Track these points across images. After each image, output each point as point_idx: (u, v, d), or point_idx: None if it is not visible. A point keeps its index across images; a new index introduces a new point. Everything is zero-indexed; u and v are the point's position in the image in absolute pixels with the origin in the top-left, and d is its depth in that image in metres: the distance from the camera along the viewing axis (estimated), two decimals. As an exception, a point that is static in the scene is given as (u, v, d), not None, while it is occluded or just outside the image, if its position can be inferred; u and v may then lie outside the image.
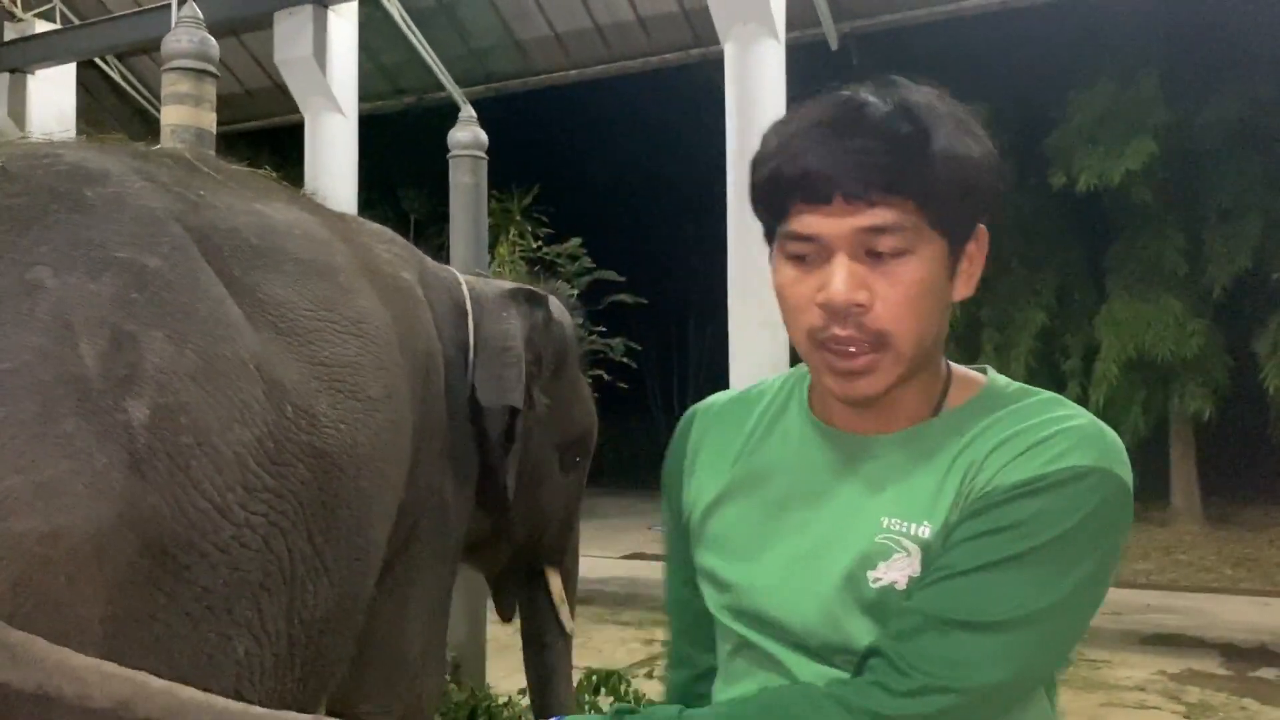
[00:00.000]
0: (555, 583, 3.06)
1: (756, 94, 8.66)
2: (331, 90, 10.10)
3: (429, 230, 14.77)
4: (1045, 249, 13.76)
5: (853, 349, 1.00)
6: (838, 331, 1.00)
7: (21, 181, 1.54)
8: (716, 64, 9.24)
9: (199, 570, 1.45)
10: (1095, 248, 13.54)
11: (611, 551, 11.34)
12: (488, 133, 5.09)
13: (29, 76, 10.86)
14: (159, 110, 12.53)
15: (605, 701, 4.08)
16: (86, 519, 1.31)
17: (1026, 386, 1.11)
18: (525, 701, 4.01)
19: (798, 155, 1.00)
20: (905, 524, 1.01)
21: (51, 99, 10.86)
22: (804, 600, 1.04)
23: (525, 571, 3.11)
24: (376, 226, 2.58)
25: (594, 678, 4.84)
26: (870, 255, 0.99)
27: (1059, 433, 1.01)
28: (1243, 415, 13.47)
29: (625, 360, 11.03)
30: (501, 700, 4.16)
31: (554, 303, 2.98)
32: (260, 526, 1.56)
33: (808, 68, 10.05)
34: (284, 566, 1.62)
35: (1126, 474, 1.02)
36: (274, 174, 2.29)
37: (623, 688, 4.42)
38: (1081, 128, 12.05)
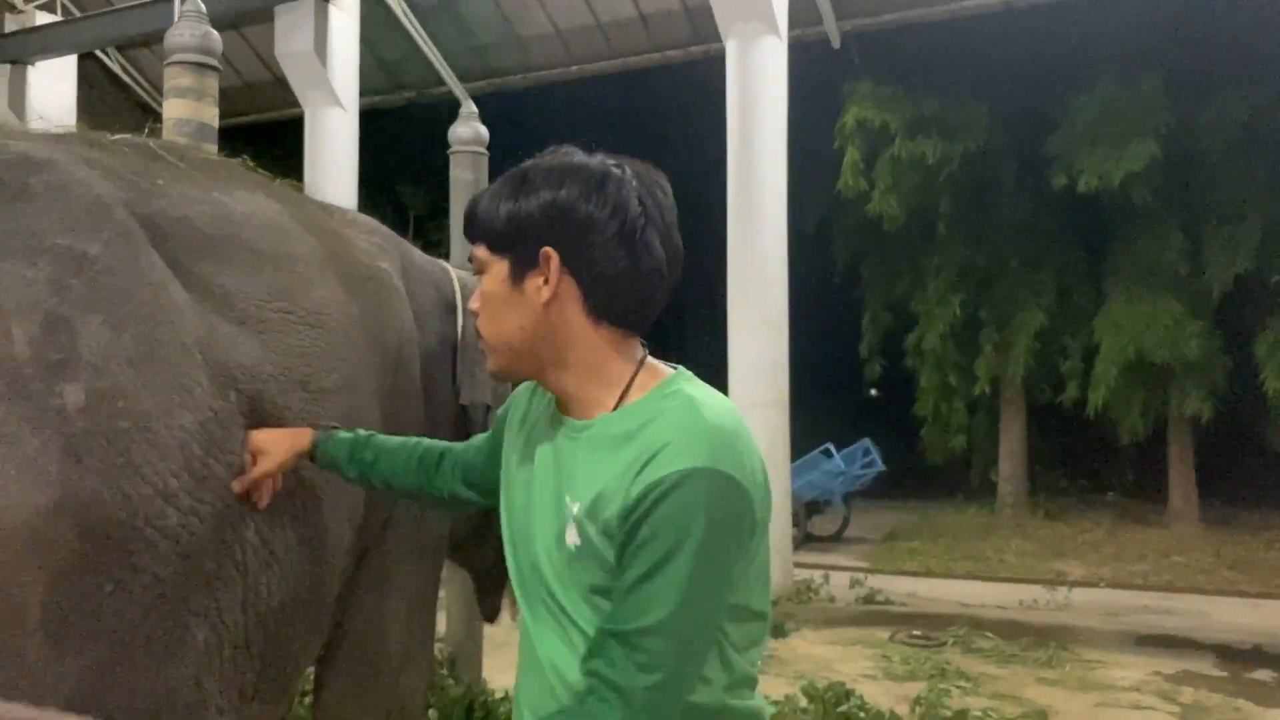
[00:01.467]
0: None
1: (758, 92, 8.67)
2: (332, 84, 10.10)
3: (428, 226, 14.77)
4: (1044, 250, 13.78)
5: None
6: None
7: None
8: (718, 61, 9.24)
9: (147, 557, 1.43)
10: (1095, 249, 13.56)
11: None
12: (488, 128, 5.08)
13: (29, 68, 10.85)
14: (159, 103, 12.51)
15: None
16: (19, 504, 1.29)
17: (683, 386, 1.32)
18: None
19: None
20: (571, 501, 1.29)
21: (52, 91, 10.85)
22: (547, 563, 1.34)
23: None
24: (361, 218, 2.55)
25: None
26: (481, 278, 1.39)
27: (673, 439, 1.22)
28: (1241, 417, 13.52)
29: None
30: (499, 695, 4.16)
31: None
32: (209, 514, 1.53)
33: (809, 66, 10.07)
34: (236, 556, 1.60)
35: (732, 467, 1.22)
36: (252, 164, 2.28)
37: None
38: (1082, 128, 12.07)
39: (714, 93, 9.39)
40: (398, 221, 15.61)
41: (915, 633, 6.93)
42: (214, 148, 3.86)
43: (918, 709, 4.81)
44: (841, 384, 18.60)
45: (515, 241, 1.33)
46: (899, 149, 12.65)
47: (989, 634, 6.84)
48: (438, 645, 4.82)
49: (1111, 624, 7.53)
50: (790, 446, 8.95)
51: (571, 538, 1.28)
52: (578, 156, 1.35)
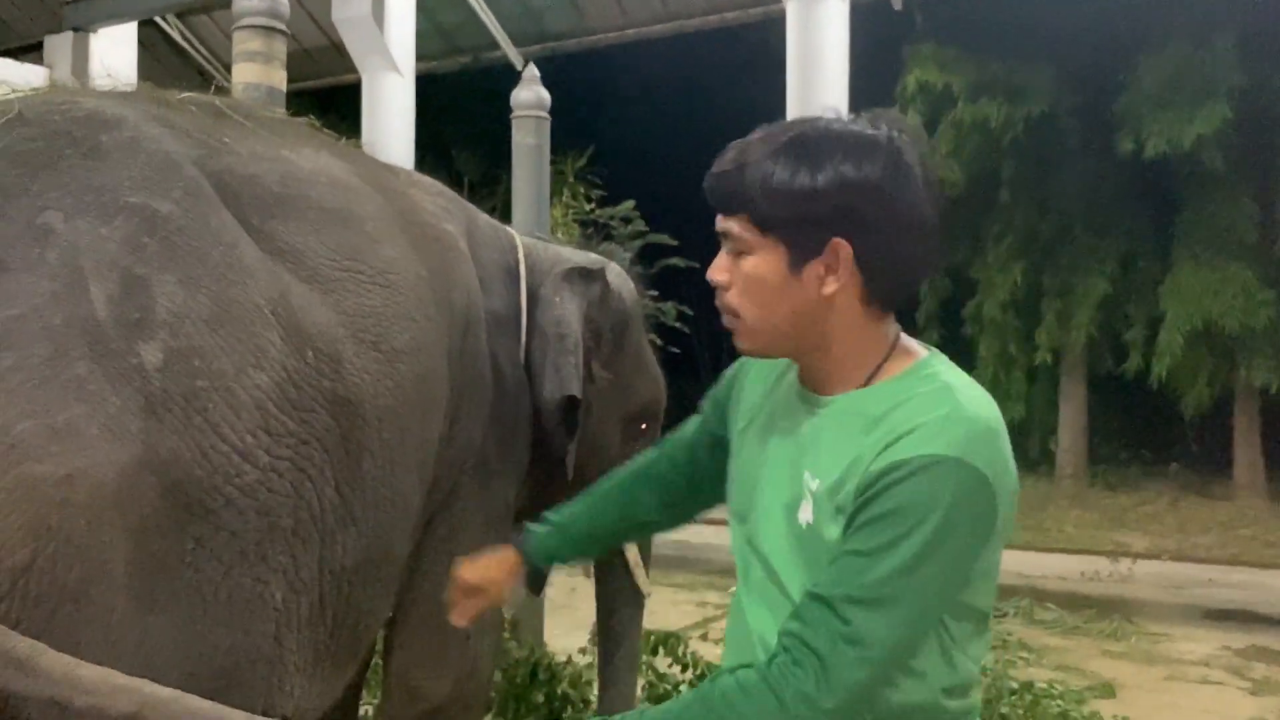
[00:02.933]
0: (629, 546, 3.01)
1: (818, 55, 8.51)
2: (389, 50, 10.09)
3: (482, 192, 14.78)
4: (1110, 216, 13.46)
5: (724, 316, 1.32)
6: (718, 302, 1.33)
7: (37, 126, 1.53)
8: (777, 23, 9.08)
9: (227, 515, 1.44)
10: (1162, 215, 13.22)
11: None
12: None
13: (91, 35, 10.97)
14: (217, 69, 12.60)
15: (663, 662, 4.09)
16: (104, 462, 1.29)
17: (940, 370, 1.25)
18: (584, 660, 4.03)
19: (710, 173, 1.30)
20: (811, 478, 1.23)
21: (113, 57, 10.96)
22: (771, 537, 1.29)
23: None
24: (427, 180, 2.52)
25: (652, 639, 4.86)
26: (732, 253, 1.28)
27: (926, 423, 1.16)
28: (1312, 389, 13.16)
29: (677, 325, 10.98)
30: (561, 659, 4.18)
31: (612, 272, 2.86)
32: (287, 472, 1.53)
33: (870, 27, 9.86)
34: (315, 514, 1.60)
35: (984, 463, 1.15)
36: (317, 125, 2.26)
37: (680, 649, 4.42)
38: (1151, 91, 11.74)
39: (773, 56, 9.24)
40: (453, 186, 15.64)
41: (976, 603, 6.87)
42: (246, 101, 3.88)
43: (984, 679, 4.77)
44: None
45: (799, 225, 1.21)
46: (961, 112, 12.42)
47: (1051, 605, 6.77)
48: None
49: (1176, 597, 7.42)
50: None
51: (805, 514, 1.23)
52: (857, 125, 1.24)
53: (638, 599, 3.02)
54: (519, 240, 2.69)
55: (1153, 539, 10.41)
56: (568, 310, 2.53)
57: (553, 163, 12.14)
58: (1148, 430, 16.11)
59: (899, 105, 12.60)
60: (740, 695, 1.13)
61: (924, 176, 1.23)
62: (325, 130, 2.31)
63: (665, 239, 11.62)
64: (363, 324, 1.77)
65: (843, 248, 1.21)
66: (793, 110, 8.74)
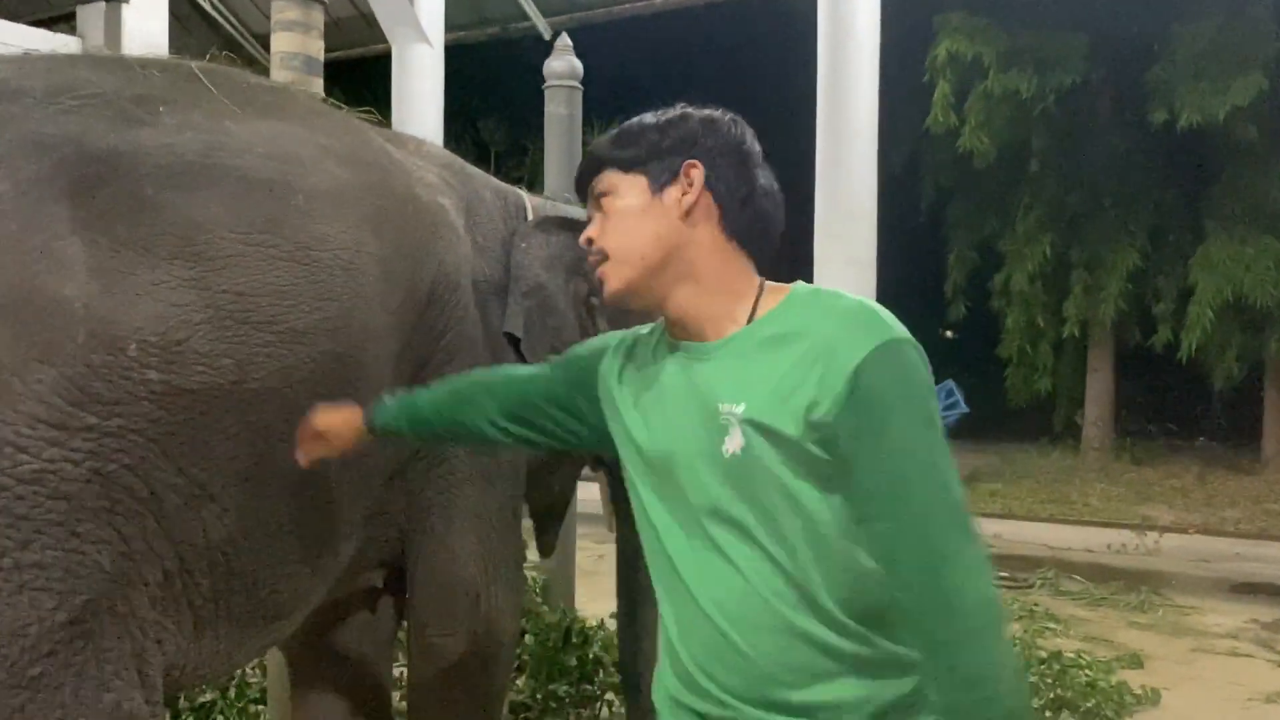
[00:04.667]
0: None
1: (849, 24, 8.44)
2: (419, 20, 10.10)
3: (509, 163, 14.79)
4: (1140, 188, 13.33)
5: (595, 270, 1.43)
6: (589, 261, 1.45)
7: None
8: (808, -8, 9.03)
9: (3, 499, 1.49)
10: (1193, 187, 13.09)
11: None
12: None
13: (124, 5, 11.01)
14: (249, 40, 12.62)
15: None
16: None
17: (814, 289, 1.37)
18: (615, 625, 4.08)
19: None
20: (729, 406, 1.30)
21: (144, 28, 11.01)
22: (703, 488, 1.33)
23: (619, 496, 3.07)
24: (438, 153, 2.53)
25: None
26: (598, 208, 1.43)
27: (848, 324, 1.27)
28: (1343, 363, 13.04)
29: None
30: (593, 624, 4.24)
31: None
32: (86, 460, 1.55)
33: (901, -2, 9.79)
34: (141, 495, 1.62)
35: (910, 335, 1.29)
36: (330, 100, 2.27)
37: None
38: (1186, 61, 11.60)
39: (803, 25, 9.19)
40: (478, 158, 15.66)
41: (1002, 574, 6.89)
42: (319, 82, 3.90)
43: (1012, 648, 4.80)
44: (924, 325, 18.30)
45: (654, 158, 1.38)
46: (992, 83, 12.29)
47: (1077, 577, 6.79)
48: (530, 573, 4.93)
49: (1203, 570, 7.42)
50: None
51: (732, 444, 1.29)
52: (696, 108, 1.43)
53: None
54: (530, 203, 2.71)
55: (1180, 513, 10.37)
56: (529, 256, 2.52)
57: (584, 133, 12.15)
58: (1176, 404, 16.04)
59: (928, 76, 12.48)
60: (955, 607, 1.20)
61: (750, 142, 1.41)
62: (332, 103, 2.30)
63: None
64: (254, 303, 1.72)
65: (694, 167, 1.36)
66: (824, 79, 8.69)
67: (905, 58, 11.36)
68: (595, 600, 4.56)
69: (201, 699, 3.76)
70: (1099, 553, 7.91)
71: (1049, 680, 4.19)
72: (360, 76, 14.32)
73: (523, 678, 3.96)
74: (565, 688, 3.91)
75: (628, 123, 1.43)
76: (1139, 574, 7.02)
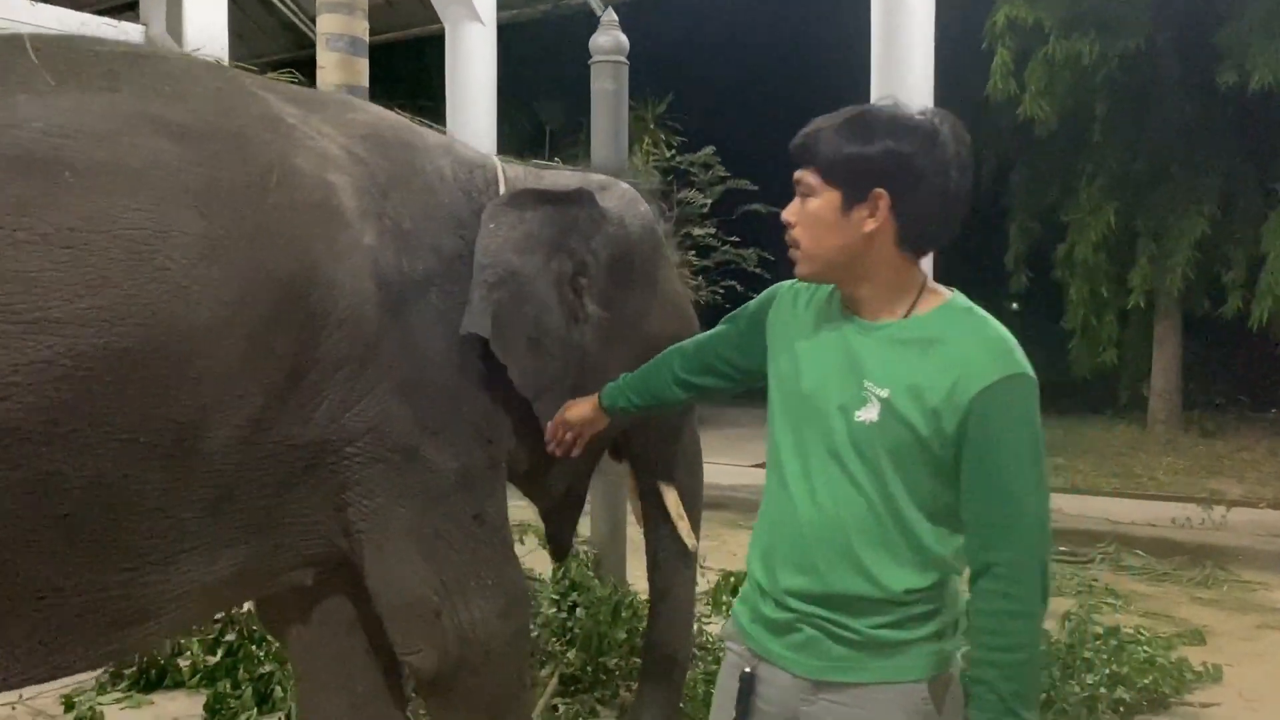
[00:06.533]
0: (670, 497, 2.87)
1: (903, -7, 8.34)
2: (471, -1, 10.13)
3: (564, 140, 14.80)
4: (1209, 153, 12.96)
5: (790, 249, 1.69)
6: (786, 237, 1.70)
7: None
8: (861, -39, 8.90)
9: None
10: (1265, 151, 12.68)
11: (742, 459, 11.38)
12: (625, 38, 5.00)
13: (184, -8, 11.19)
14: (305, 23, 12.74)
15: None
16: None
17: (968, 304, 1.64)
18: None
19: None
20: (875, 386, 1.58)
21: (204, 13, 11.18)
22: (831, 430, 1.63)
23: (642, 488, 2.93)
24: (367, 120, 2.24)
25: (730, 579, 4.92)
26: (801, 196, 1.65)
27: (985, 350, 1.56)
28: None
29: (758, 271, 10.91)
30: (644, 598, 4.27)
31: (612, 195, 2.54)
32: None
33: (958, -37, 9.58)
34: None
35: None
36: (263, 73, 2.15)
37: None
38: (1257, 20, 11.19)
39: (856, -5, 9.06)
40: (534, 136, 15.68)
41: (1061, 549, 6.77)
42: (365, 62, 3.95)
43: (1067, 624, 4.74)
44: (986, 297, 17.92)
45: (852, 177, 1.58)
46: (1053, 49, 11.99)
47: (1139, 552, 6.66)
48: (582, 548, 4.96)
49: (1273, 545, 7.25)
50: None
51: (868, 415, 1.57)
52: (909, 110, 1.60)
53: (684, 552, 2.90)
54: (506, 174, 2.44)
55: (1250, 486, 10.12)
56: (497, 240, 2.24)
57: (633, 109, 12.08)
58: (1246, 375, 15.62)
59: (987, 42, 12.22)
60: (1022, 600, 1.52)
61: (957, 159, 1.58)
62: (247, 68, 2.20)
63: (746, 184, 11.55)
64: None
65: (882, 197, 1.57)
66: (877, 49, 8.58)
67: (963, 24, 11.14)
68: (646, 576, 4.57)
69: (260, 670, 3.87)
70: (1163, 527, 7.77)
71: (1105, 656, 4.13)
72: (415, 57, 14.44)
73: (573, 650, 4.00)
74: (615, 660, 3.95)
75: (847, 119, 1.61)
76: (1204, 549, 6.87)
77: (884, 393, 1.56)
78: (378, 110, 2.38)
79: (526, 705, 2.46)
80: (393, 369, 2.03)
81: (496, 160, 2.49)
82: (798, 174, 1.64)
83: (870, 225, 1.59)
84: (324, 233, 1.95)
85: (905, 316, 1.62)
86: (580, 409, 2.24)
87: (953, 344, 1.56)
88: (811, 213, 1.63)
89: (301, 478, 1.98)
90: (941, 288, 1.66)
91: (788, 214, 1.67)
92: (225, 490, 1.86)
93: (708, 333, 2.06)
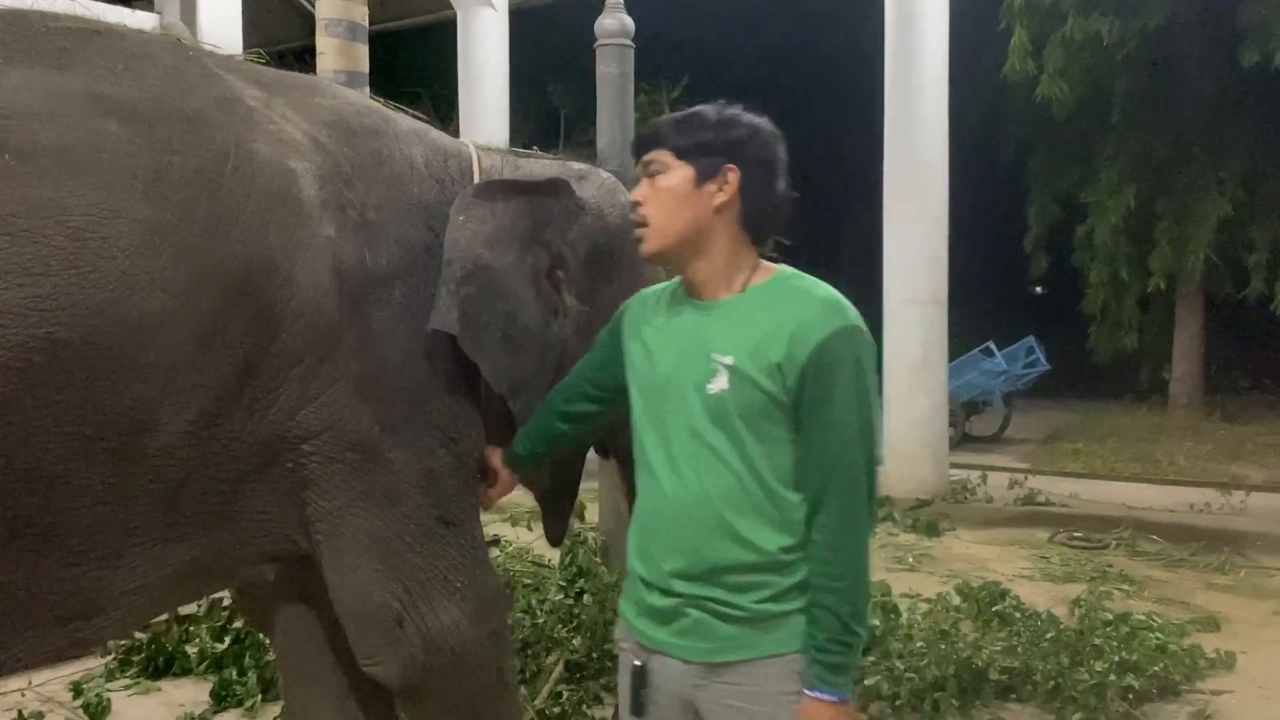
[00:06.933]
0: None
1: (917, -29, 8.25)
2: (482, -16, 10.10)
3: (577, 126, 14.74)
4: (1231, 133, 12.78)
5: (637, 228, 1.79)
6: (633, 215, 1.81)
7: None
8: (875, -58, 8.80)
9: None
10: (1289, 131, 12.49)
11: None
12: (636, 23, 4.97)
13: (197, -21, 11.20)
14: (313, 6, 12.73)
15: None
16: None
17: (799, 275, 1.77)
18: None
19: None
20: (719, 355, 1.69)
21: (218, 1, 11.19)
22: (687, 409, 1.73)
23: (626, 486, 2.86)
24: (334, 105, 2.16)
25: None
26: (649, 176, 1.77)
27: (820, 308, 1.69)
28: None
29: (775, 256, 10.83)
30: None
31: (591, 184, 2.48)
32: None
33: (973, -57, 9.46)
34: None
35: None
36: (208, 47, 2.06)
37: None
38: (1280, -1, 11.02)
39: (870, -26, 8.96)
40: (547, 122, 15.63)
41: (1076, 534, 6.74)
42: (364, 48, 3.94)
43: (1077, 610, 4.70)
44: (1004, 280, 17.90)
45: (704, 154, 1.73)
46: (1071, 28, 11.81)
47: (1155, 537, 6.61)
48: (590, 534, 4.96)
49: (1287, 529, 7.16)
50: (949, 345, 8.71)
51: (718, 385, 1.68)
52: (749, 114, 1.77)
53: None
54: (479, 163, 2.35)
55: (1272, 471, 10.00)
56: (465, 233, 2.14)
57: (648, 93, 12.04)
58: (1270, 359, 15.44)
59: (1004, 21, 12.06)
60: (848, 534, 1.66)
61: (785, 157, 1.78)
62: (210, 46, 2.13)
63: (762, 169, 11.44)
64: None
65: (733, 171, 1.72)
66: (892, 36, 8.50)
67: (979, 4, 11.01)
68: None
69: (266, 657, 3.88)
70: (1181, 512, 7.69)
71: (1115, 643, 4.09)
72: (428, 43, 14.40)
73: (579, 637, 4.00)
74: (620, 648, 3.93)
75: (690, 112, 1.78)
76: (1222, 534, 6.80)
77: (729, 360, 1.68)
78: (347, 95, 2.30)
79: (509, 704, 2.39)
80: (352, 366, 1.96)
81: (472, 148, 2.40)
82: (648, 155, 1.76)
83: (721, 199, 1.72)
84: (281, 223, 1.87)
85: (742, 291, 1.74)
86: (495, 457, 2.22)
87: (788, 305, 1.69)
88: (664, 188, 1.74)
89: (257, 475, 1.92)
90: (772, 265, 1.80)
91: (637, 195, 1.78)
92: (175, 485, 1.81)
93: (579, 363, 2.12)
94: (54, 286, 1.58)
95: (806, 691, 1.66)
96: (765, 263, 1.79)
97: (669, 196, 1.74)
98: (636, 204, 1.78)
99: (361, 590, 2.06)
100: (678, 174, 1.74)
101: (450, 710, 2.25)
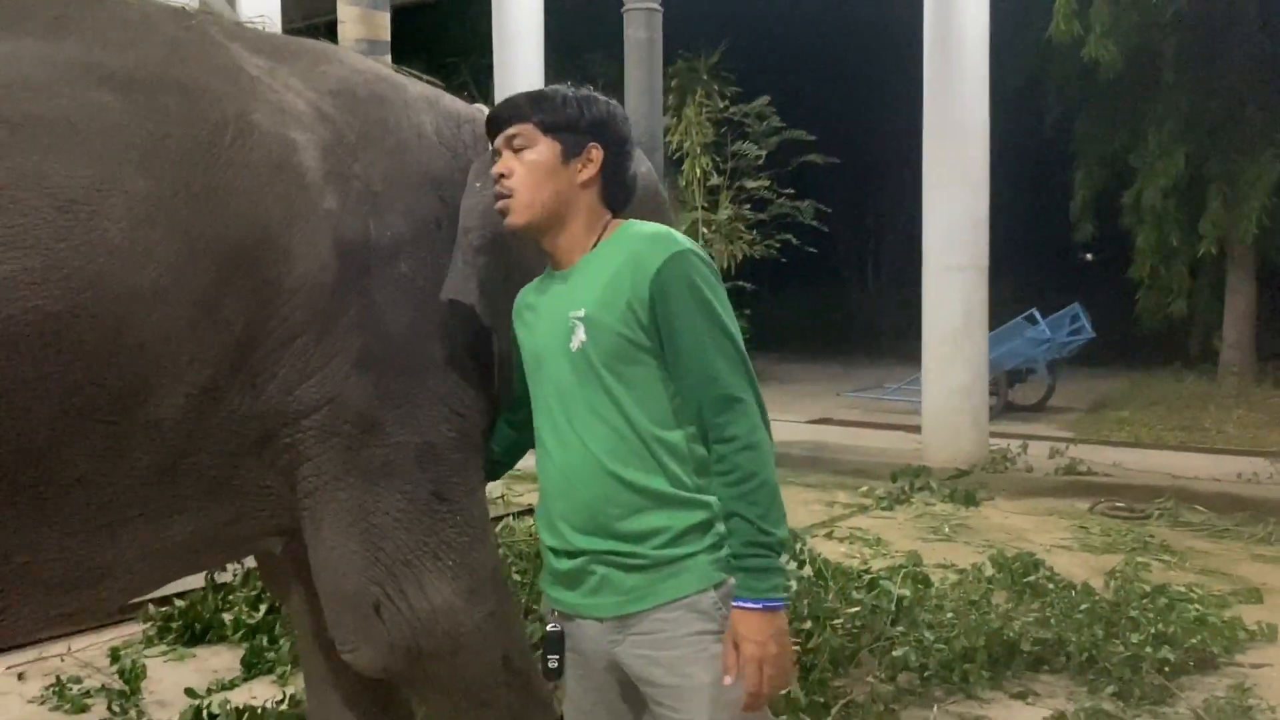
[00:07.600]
0: None
1: (956, -70, 8.06)
2: (515, -48, 10.02)
3: (613, 95, 14.62)
4: (1286, 92, 12.43)
5: (499, 201, 1.86)
6: (497, 188, 1.87)
7: None
8: (913, -100, 8.61)
9: None
10: (1348, 89, 12.11)
11: (799, 416, 11.31)
12: (673, -11, 4.90)
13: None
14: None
15: (781, 559, 4.10)
16: None
17: (642, 221, 1.86)
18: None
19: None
20: (574, 312, 1.77)
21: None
22: (557, 375, 1.81)
23: None
24: (342, 73, 2.12)
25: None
26: (516, 150, 1.85)
27: (652, 241, 1.76)
28: None
29: (814, 223, 10.72)
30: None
31: None
32: None
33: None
34: None
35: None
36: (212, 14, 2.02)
37: (798, 546, 4.43)
38: (1338, -49, 10.66)
39: (909, -65, 8.78)
40: (583, 88, 15.47)
41: (1118, 504, 6.63)
42: (386, 15, 3.92)
43: (1112, 582, 4.62)
44: (1050, 246, 17.62)
45: (571, 131, 1.82)
46: (1119, -14, 11.54)
47: (1200, 507, 6.47)
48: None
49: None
50: (990, 312, 8.58)
51: (578, 340, 1.76)
52: (600, 95, 1.88)
53: None
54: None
55: (1324, 440, 9.79)
56: (482, 199, 2.05)
57: (685, 60, 11.89)
58: (1325, 325, 15.07)
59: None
60: (738, 442, 1.70)
61: (632, 136, 1.92)
62: (212, 14, 2.07)
63: (802, 134, 11.32)
64: None
65: (596, 148, 1.83)
66: (929, -7, 8.33)
67: (1023, -36, 10.76)
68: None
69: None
70: (1228, 482, 7.54)
71: (1151, 615, 4.01)
72: (466, 13, 14.36)
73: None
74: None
75: (550, 89, 1.87)
76: (1269, 505, 6.65)
77: (581, 312, 1.76)
78: (356, 62, 2.26)
79: (525, 696, 2.24)
80: (353, 340, 1.93)
81: (487, 112, 2.32)
82: (513, 129, 1.83)
83: (585, 174, 1.82)
84: (280, 195, 1.85)
85: (593, 248, 1.83)
86: None
87: (625, 247, 1.77)
88: (532, 162, 1.82)
89: (256, 449, 1.90)
90: (619, 220, 1.88)
91: (501, 167, 1.84)
92: (174, 458, 1.80)
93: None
94: (44, 259, 1.57)
95: (734, 603, 1.68)
96: (615, 220, 1.88)
97: (536, 170, 1.81)
98: (501, 176, 1.83)
99: (339, 571, 2.00)
100: (544, 149, 1.81)
101: (449, 698, 2.18)
